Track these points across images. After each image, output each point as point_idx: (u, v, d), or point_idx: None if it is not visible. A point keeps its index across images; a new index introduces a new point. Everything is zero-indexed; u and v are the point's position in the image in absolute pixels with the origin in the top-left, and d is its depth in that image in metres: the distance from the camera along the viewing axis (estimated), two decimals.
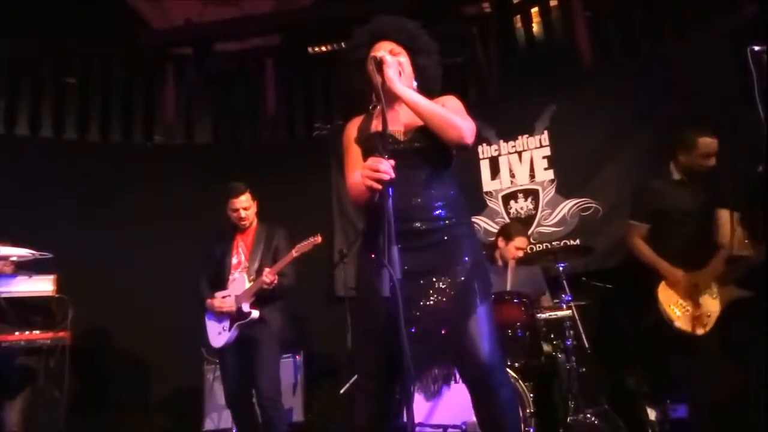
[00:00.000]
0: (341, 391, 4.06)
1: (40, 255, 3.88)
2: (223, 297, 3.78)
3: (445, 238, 2.12)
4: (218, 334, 3.78)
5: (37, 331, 3.88)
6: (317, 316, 5.18)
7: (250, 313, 3.67)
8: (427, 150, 2.15)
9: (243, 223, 3.88)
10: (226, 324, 3.74)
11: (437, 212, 2.13)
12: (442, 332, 2.03)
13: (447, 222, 2.13)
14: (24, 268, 4.16)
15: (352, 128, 2.32)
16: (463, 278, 2.07)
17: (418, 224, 2.09)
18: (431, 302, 2.05)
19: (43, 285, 3.90)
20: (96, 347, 5.03)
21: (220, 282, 3.84)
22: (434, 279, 2.07)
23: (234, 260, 3.87)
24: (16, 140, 5.64)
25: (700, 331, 3.26)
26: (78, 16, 5.81)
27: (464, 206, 2.25)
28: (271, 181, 5.41)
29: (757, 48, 2.52)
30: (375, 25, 2.30)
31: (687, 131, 3.50)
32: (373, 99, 2.25)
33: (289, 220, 4.14)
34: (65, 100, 5.97)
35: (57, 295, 3.91)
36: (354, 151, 2.26)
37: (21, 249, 3.92)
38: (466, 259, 2.11)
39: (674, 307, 3.36)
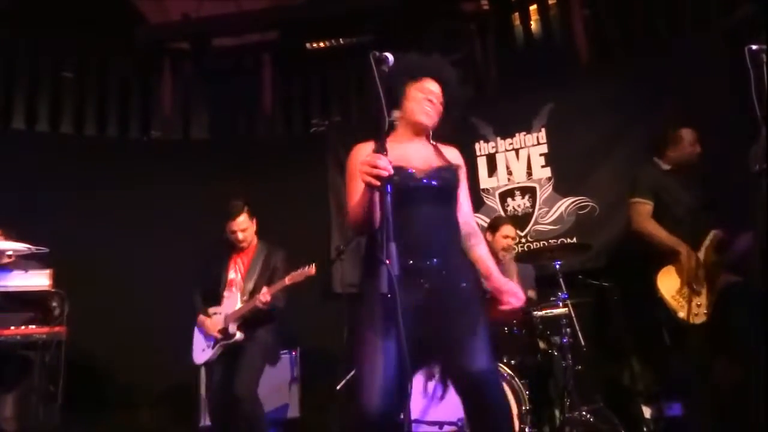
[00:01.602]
0: (338, 388, 4.05)
1: (36, 249, 3.87)
2: (214, 313, 3.84)
3: (451, 266, 2.17)
4: (202, 351, 3.84)
5: (33, 326, 3.87)
6: (314, 312, 5.16)
7: (234, 335, 3.71)
8: (443, 189, 2.22)
9: (242, 245, 3.87)
10: (211, 342, 3.79)
11: (449, 247, 2.19)
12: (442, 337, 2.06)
13: (454, 250, 2.22)
14: (20, 262, 4.14)
15: (363, 154, 2.17)
16: (466, 297, 2.14)
17: (433, 260, 2.13)
18: (436, 311, 2.08)
19: (39, 279, 3.88)
20: (92, 342, 4.99)
21: (215, 297, 3.85)
22: (441, 294, 2.11)
23: (231, 275, 3.88)
24: (13, 134, 5.62)
25: (693, 320, 3.26)
26: (75, 11, 5.79)
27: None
28: (267, 177, 5.41)
29: (754, 47, 2.53)
30: (432, 67, 2.33)
31: (669, 128, 3.71)
32: (393, 124, 2.28)
33: (286, 217, 4.12)
34: (62, 95, 5.95)
35: (53, 290, 3.89)
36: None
37: (17, 243, 3.91)
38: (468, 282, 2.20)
39: (677, 295, 3.35)
